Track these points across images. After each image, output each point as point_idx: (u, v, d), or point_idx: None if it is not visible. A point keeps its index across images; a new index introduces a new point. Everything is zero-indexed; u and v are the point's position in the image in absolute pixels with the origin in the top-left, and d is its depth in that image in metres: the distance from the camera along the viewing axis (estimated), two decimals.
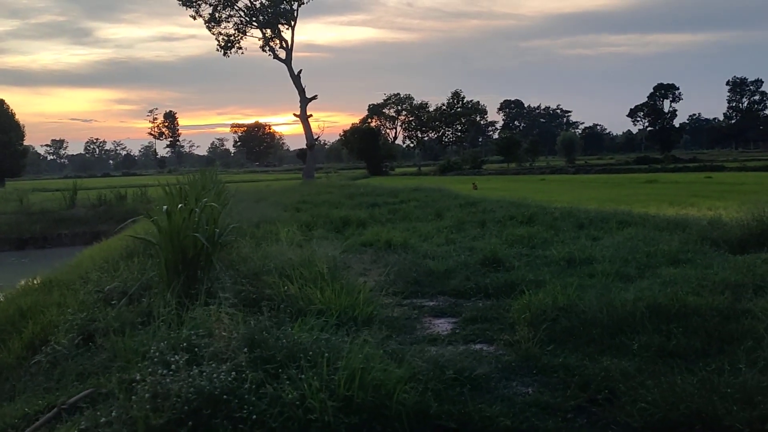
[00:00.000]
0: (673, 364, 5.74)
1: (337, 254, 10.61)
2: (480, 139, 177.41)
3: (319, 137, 73.35)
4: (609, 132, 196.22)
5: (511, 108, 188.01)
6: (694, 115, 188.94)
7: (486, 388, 5.69)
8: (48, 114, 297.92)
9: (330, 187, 38.35)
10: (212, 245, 8.06)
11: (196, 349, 5.54)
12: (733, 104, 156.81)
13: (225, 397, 4.76)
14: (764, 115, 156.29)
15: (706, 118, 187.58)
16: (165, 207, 7.50)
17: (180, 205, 7.51)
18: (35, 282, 12.25)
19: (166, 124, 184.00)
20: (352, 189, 34.37)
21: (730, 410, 4.66)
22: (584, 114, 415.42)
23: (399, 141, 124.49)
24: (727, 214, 14.84)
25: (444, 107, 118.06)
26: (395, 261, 11.56)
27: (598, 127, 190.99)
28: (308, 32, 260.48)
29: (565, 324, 7.09)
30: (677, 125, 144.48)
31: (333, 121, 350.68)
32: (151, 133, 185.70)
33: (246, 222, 15.53)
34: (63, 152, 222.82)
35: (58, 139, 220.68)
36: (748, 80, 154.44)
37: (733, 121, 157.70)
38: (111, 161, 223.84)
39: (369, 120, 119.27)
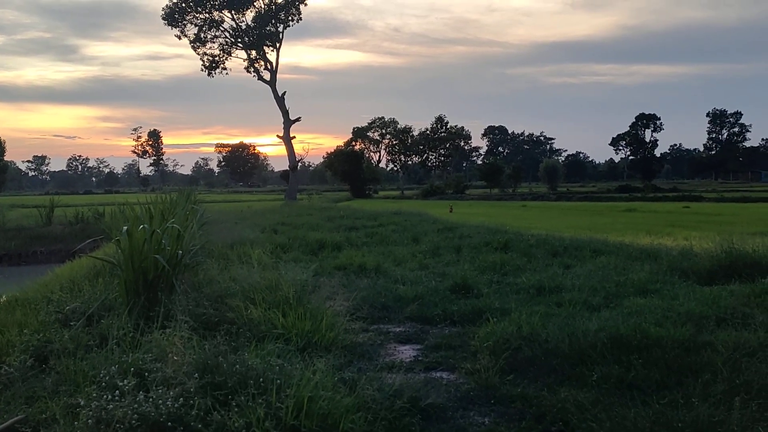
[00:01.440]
0: (630, 396, 5.70)
1: (305, 278, 10.52)
2: (464, 164, 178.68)
3: (302, 159, 73.44)
4: (592, 160, 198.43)
5: (495, 134, 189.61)
6: (675, 145, 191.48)
7: (442, 417, 5.63)
8: (31, 130, 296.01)
9: (311, 209, 38.25)
10: (175, 267, 7.96)
11: (147, 374, 5.44)
12: (713, 135, 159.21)
13: (170, 424, 4.66)
14: (743, 147, 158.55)
15: (687, 149, 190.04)
16: (125, 228, 7.40)
17: (141, 226, 7.41)
18: (0, 300, 12.04)
19: (150, 142, 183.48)
20: (333, 211, 34.28)
21: None
22: (568, 141, 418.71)
23: (383, 164, 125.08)
24: (699, 245, 14.91)
25: (428, 132, 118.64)
26: (366, 285, 11.52)
27: (581, 155, 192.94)
28: (294, 54, 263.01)
29: (527, 353, 7.06)
30: (658, 155, 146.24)
31: (318, 143, 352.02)
32: (134, 152, 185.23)
33: (221, 243, 15.43)
34: (45, 168, 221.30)
35: (40, 155, 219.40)
36: (728, 112, 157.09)
37: (713, 152, 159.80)
38: (94, 178, 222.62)
39: (353, 143, 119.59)
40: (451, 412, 5.76)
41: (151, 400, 4.83)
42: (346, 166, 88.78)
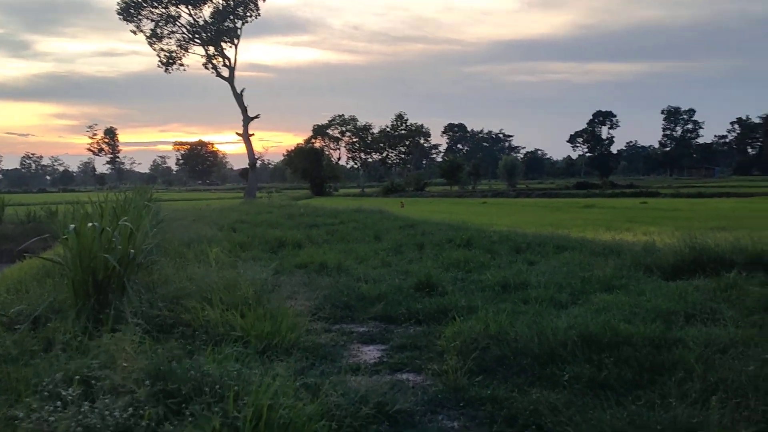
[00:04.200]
0: (604, 396, 5.50)
1: (265, 277, 10.18)
2: (424, 162, 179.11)
3: (261, 156, 72.68)
4: (550, 157, 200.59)
5: (455, 131, 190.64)
6: (631, 142, 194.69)
7: (409, 422, 5.36)
8: None
9: (270, 207, 37.73)
10: (126, 266, 7.56)
11: (94, 382, 5.06)
12: (668, 132, 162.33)
13: None
14: (696, 144, 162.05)
15: (643, 146, 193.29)
16: (72, 226, 6.98)
17: (90, 224, 7.00)
18: None
19: (107, 140, 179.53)
20: (293, 209, 33.86)
21: None
22: (526, 139, 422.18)
23: (343, 162, 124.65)
24: (660, 240, 14.92)
25: (388, 129, 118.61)
26: (327, 284, 11.22)
27: (540, 152, 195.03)
28: (253, 51, 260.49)
29: (496, 353, 6.83)
30: (615, 152, 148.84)
31: (278, 141, 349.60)
32: (90, 149, 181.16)
33: (177, 242, 14.97)
34: None
35: None
36: (682, 110, 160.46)
37: (667, 149, 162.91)
38: (48, 177, 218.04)
39: (313, 140, 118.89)
40: (419, 416, 5.50)
41: (97, 410, 4.47)
42: (306, 164, 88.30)
